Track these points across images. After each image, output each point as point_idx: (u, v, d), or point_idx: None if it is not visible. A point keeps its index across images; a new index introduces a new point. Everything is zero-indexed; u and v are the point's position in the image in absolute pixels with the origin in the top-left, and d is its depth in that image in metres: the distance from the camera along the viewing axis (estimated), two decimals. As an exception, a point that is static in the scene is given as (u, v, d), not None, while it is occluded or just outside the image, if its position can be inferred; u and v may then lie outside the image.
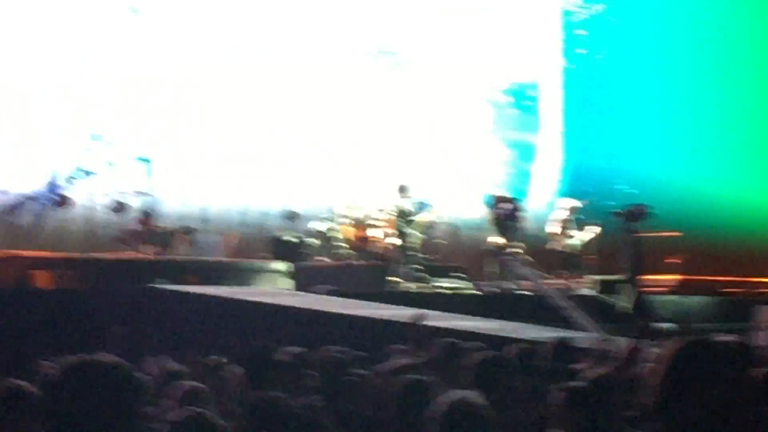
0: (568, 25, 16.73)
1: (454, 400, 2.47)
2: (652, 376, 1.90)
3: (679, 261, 12.40)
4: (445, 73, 15.53)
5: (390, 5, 15.22)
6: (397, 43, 15.11)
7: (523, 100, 16.15)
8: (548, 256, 11.89)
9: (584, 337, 7.58)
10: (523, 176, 14.91)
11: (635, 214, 10.75)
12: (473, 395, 2.56)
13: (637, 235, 10.93)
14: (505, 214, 11.22)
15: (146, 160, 11.65)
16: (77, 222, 11.62)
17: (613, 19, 16.42)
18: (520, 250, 11.20)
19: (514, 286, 11.05)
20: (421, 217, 11.01)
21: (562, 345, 5.42)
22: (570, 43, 16.61)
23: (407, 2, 15.47)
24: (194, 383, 3.63)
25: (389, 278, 10.67)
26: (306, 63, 14.37)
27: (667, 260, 12.37)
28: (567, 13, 16.98)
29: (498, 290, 10.98)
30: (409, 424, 3.17)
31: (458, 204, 13.11)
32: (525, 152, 15.11)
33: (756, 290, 13.55)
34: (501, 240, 11.27)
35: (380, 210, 11.17)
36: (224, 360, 4.39)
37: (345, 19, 14.65)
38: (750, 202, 14.65)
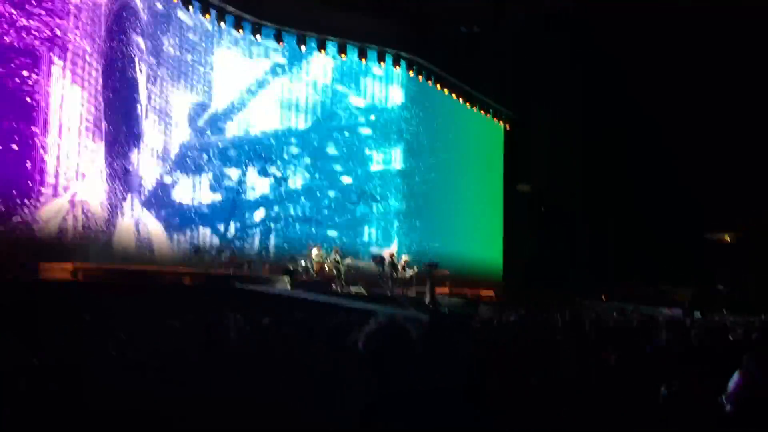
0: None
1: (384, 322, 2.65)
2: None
3: (447, 282, 23.17)
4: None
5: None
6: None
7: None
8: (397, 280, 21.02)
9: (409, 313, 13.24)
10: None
11: (432, 264, 21.14)
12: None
13: (433, 271, 21.01)
14: (378, 261, 23.09)
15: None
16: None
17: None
18: (387, 276, 21.86)
19: (383, 291, 20.50)
20: (345, 261, 20.96)
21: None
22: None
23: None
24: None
25: (332, 286, 19.89)
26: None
27: (443, 282, 22.75)
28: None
29: (377, 292, 20.26)
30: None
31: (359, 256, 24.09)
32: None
33: (479, 294, 25.18)
34: (377, 271, 23.10)
35: (328, 257, 20.87)
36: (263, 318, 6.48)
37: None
38: (477, 255, 28.09)
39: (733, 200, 27.22)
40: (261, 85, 24.34)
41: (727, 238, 30.14)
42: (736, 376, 3.54)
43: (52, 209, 16.18)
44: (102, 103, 18.02)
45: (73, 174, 16.91)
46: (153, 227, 20.65)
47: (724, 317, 18.53)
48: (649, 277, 27.06)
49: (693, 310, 22.12)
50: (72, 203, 16.74)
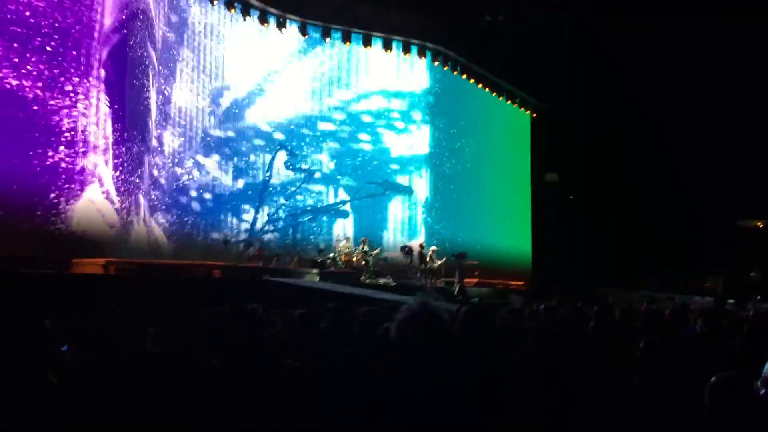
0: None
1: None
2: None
3: (476, 273, 23.24)
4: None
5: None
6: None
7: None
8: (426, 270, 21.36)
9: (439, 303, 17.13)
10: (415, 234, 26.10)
11: (460, 254, 21.38)
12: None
13: (461, 261, 21.27)
14: (406, 252, 23.26)
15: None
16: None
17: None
18: (416, 266, 21.84)
19: (412, 281, 20.68)
20: (374, 253, 21.39)
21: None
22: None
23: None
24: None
25: (360, 278, 19.92)
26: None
27: (472, 273, 22.83)
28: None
29: (405, 283, 20.31)
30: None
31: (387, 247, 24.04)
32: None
33: (510, 285, 25.33)
34: (405, 262, 22.59)
35: (357, 249, 21.26)
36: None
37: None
38: (506, 245, 27.99)
39: (765, 187, 26.83)
40: (280, 73, 24.14)
41: (760, 225, 29.82)
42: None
43: (81, 208, 16.28)
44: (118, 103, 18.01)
45: (100, 171, 17.00)
46: (178, 222, 20.72)
47: (758, 303, 18.28)
48: (681, 266, 26.78)
49: (726, 298, 21.85)
50: (93, 200, 16.85)
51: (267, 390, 3.26)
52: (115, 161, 17.49)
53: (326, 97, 25.01)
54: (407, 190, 26.44)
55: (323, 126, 25.06)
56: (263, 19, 22.90)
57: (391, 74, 26.40)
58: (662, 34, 25.07)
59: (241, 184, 22.86)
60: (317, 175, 24.70)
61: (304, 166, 24.28)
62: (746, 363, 3.78)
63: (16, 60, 14.84)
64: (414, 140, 26.87)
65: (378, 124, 26.19)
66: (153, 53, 19.21)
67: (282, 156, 23.84)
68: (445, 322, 2.71)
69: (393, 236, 25.54)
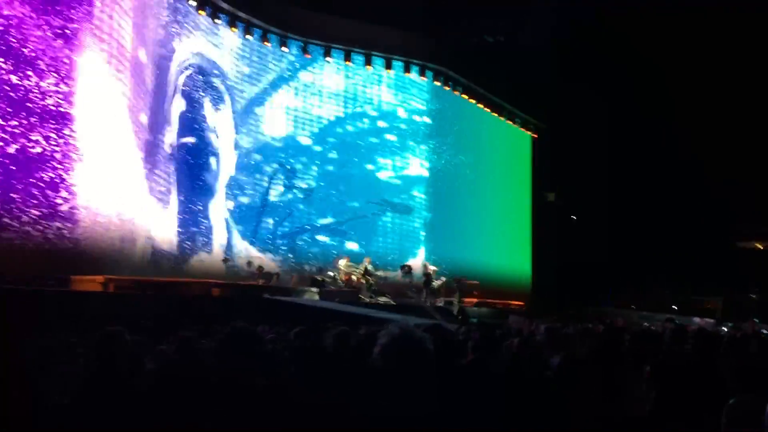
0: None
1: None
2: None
3: (476, 293, 23.25)
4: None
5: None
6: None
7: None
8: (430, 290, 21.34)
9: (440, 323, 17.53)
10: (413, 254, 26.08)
11: (459, 278, 21.52)
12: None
13: (461, 282, 21.73)
14: (406, 271, 23.28)
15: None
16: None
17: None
18: (414, 287, 22.27)
19: (411, 301, 21.02)
20: (374, 272, 21.16)
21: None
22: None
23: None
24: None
25: (359, 296, 19.88)
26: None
27: (472, 292, 22.97)
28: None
29: (405, 302, 20.52)
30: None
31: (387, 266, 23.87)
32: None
33: (510, 305, 25.28)
34: (406, 281, 22.75)
35: (357, 269, 21.03)
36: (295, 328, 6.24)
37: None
38: (506, 265, 28.01)
39: (764, 208, 26.89)
40: (277, 93, 24.19)
41: (759, 246, 29.87)
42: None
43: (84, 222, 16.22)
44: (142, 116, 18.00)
45: (107, 189, 16.91)
46: (180, 240, 20.69)
47: (757, 326, 18.29)
48: (681, 287, 26.82)
49: (724, 320, 21.89)
50: (97, 214, 16.77)
51: (261, 408, 3.25)
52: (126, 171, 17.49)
53: (323, 114, 25.05)
54: (406, 209, 26.31)
55: (320, 144, 25.04)
56: (264, 38, 22.99)
57: (390, 92, 26.37)
58: (662, 54, 25.14)
59: (241, 204, 22.90)
60: (316, 194, 24.73)
61: (303, 185, 24.20)
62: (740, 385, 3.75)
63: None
64: (413, 159, 26.88)
65: (376, 142, 26.19)
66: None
67: (280, 174, 23.79)
68: (426, 347, 2.61)
69: (393, 255, 25.44)
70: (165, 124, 19.74)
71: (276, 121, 23.86)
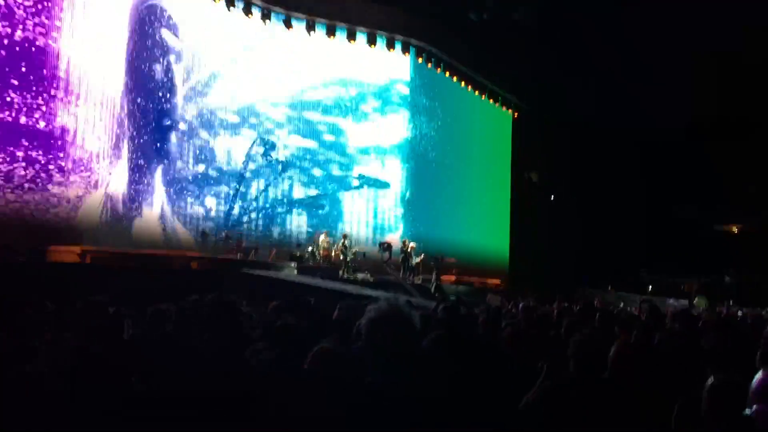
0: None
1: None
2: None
3: (454, 270, 23.67)
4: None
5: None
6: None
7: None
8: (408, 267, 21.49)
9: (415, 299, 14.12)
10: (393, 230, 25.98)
11: (437, 257, 21.19)
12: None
13: (439, 260, 21.59)
14: (384, 249, 23.27)
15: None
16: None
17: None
18: (392, 264, 22.39)
19: (390, 277, 20.88)
20: (353, 248, 21.20)
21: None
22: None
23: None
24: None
25: (338, 272, 19.92)
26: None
27: (450, 270, 23.32)
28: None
29: (383, 279, 20.37)
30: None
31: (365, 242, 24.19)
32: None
33: (487, 283, 25.64)
34: (385, 257, 22.94)
35: (335, 244, 21.41)
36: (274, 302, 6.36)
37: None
38: (484, 244, 28.11)
39: (741, 192, 27.16)
40: (248, 59, 23.67)
41: (735, 229, 30.20)
42: (760, 374, 3.42)
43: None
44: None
45: (94, 163, 16.83)
46: (159, 213, 20.52)
47: (731, 308, 18.55)
48: (657, 269, 27.10)
49: (700, 301, 22.17)
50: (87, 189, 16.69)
51: (240, 382, 3.16)
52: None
53: (300, 85, 24.71)
54: (383, 184, 26.24)
55: (298, 116, 24.79)
56: (248, 11, 22.69)
57: (371, 65, 26.17)
58: (646, 33, 25.08)
59: (218, 178, 22.66)
60: (295, 170, 24.57)
61: (279, 157, 24.01)
62: (718, 366, 3.74)
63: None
64: (391, 132, 26.68)
65: (353, 115, 25.93)
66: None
67: (257, 147, 23.58)
68: (413, 324, 2.62)
69: (370, 231, 25.44)
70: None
71: (256, 92, 23.60)
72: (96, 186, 17.19)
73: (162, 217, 20.52)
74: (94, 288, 7.30)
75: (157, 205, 20.31)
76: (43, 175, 15.57)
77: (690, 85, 25.54)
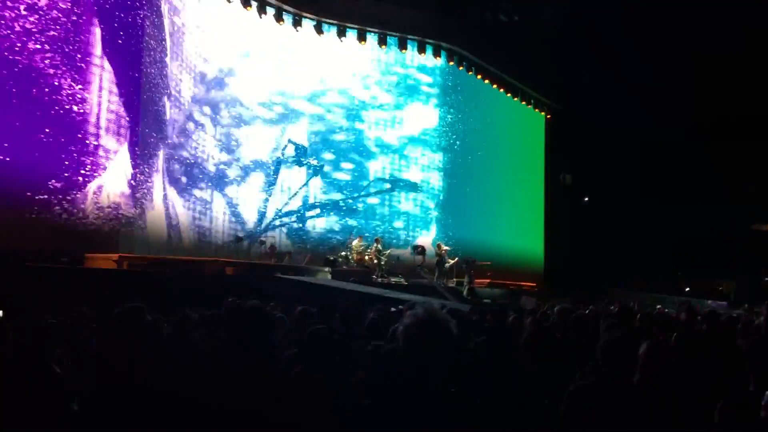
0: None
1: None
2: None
3: (489, 273, 23.24)
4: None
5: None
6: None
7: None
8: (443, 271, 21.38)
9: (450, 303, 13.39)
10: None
11: (469, 259, 21.14)
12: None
13: (471, 263, 21.39)
14: (418, 252, 23.23)
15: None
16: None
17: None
18: (426, 267, 22.25)
19: (423, 281, 20.94)
20: (386, 252, 21.15)
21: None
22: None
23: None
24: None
25: (372, 276, 20.00)
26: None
27: (484, 273, 22.88)
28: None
29: (416, 282, 20.48)
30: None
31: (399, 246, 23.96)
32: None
33: (522, 286, 24.98)
34: (418, 261, 22.71)
35: (370, 248, 21.08)
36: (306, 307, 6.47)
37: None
38: (518, 246, 27.88)
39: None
40: (285, 60, 23.75)
41: (774, 230, 29.69)
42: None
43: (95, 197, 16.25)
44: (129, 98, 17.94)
45: (112, 168, 16.92)
46: (191, 218, 20.59)
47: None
48: (695, 270, 26.70)
49: (738, 302, 21.81)
50: (100, 194, 16.78)
51: (272, 387, 3.22)
52: (131, 149, 17.43)
53: (339, 89, 24.76)
54: (416, 187, 26.12)
55: (336, 125, 24.82)
56: (279, 17, 22.74)
57: (406, 69, 26.11)
58: (679, 34, 24.78)
59: (254, 184, 22.68)
60: (326, 168, 24.50)
61: (313, 162, 24.00)
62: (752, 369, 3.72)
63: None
64: (424, 134, 26.59)
65: (386, 117, 25.86)
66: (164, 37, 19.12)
67: (290, 151, 23.58)
68: (450, 330, 2.60)
69: (404, 234, 25.39)
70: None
71: (288, 97, 23.60)
72: (135, 197, 17.31)
73: (195, 224, 20.53)
74: (130, 294, 7.38)
75: (189, 212, 20.34)
76: (81, 182, 15.68)
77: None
